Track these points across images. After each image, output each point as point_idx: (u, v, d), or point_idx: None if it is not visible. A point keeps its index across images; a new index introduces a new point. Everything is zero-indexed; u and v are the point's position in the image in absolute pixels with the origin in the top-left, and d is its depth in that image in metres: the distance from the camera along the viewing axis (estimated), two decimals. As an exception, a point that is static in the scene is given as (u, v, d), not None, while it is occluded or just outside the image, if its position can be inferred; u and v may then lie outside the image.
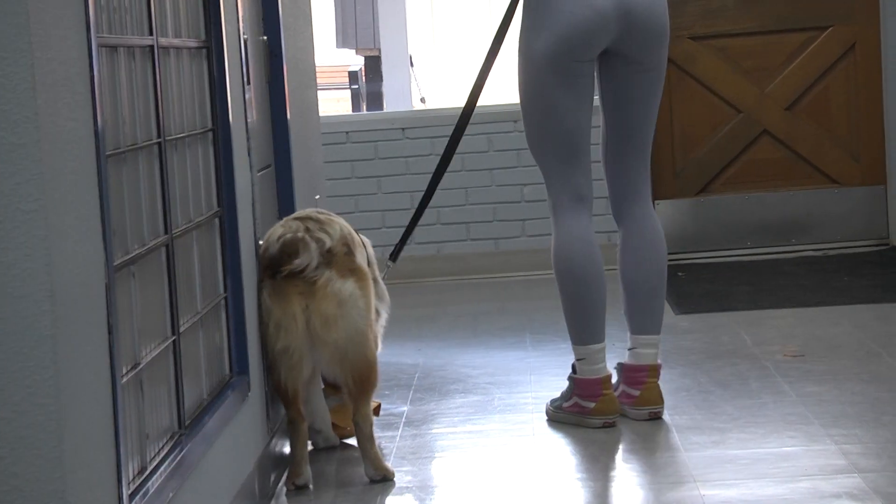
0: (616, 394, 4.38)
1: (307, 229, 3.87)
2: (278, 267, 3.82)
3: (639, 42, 4.23)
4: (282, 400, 3.92)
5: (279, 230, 3.91)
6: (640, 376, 4.35)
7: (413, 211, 7.16)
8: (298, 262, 3.79)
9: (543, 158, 4.35)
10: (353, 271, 3.88)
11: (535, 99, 4.27)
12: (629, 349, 4.41)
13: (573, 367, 4.37)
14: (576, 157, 4.31)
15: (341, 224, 3.98)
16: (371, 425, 3.91)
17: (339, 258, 3.85)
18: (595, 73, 4.31)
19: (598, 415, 4.29)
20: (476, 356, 5.43)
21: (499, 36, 4.37)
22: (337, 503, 3.85)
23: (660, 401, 4.35)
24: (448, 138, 4.58)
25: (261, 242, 3.95)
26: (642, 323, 4.38)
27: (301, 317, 3.79)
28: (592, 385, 4.29)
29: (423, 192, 4.30)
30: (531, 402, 4.64)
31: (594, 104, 4.31)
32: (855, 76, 7.25)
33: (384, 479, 3.90)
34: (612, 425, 4.28)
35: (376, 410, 4.33)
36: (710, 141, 7.32)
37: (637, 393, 4.35)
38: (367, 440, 3.90)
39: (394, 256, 4.59)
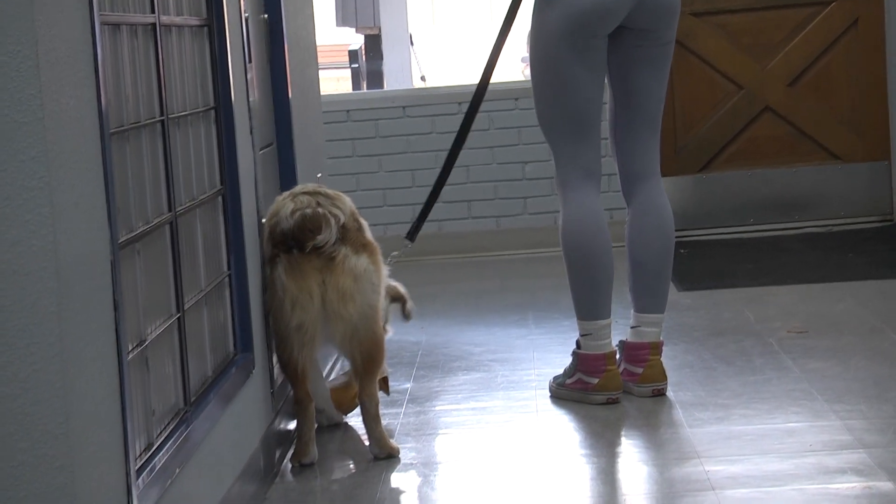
0: (620, 369, 4.38)
1: (318, 204, 3.85)
2: (297, 242, 3.78)
3: (653, 16, 4.22)
4: (290, 379, 3.90)
5: (290, 205, 3.86)
6: (643, 354, 4.35)
7: (415, 189, 7.19)
8: (322, 238, 3.77)
9: (554, 134, 4.33)
10: (365, 246, 3.87)
11: (547, 74, 4.26)
12: (632, 327, 4.41)
13: (577, 342, 4.37)
14: (587, 132, 4.30)
15: (348, 199, 3.98)
16: (377, 405, 3.91)
17: (352, 233, 3.85)
18: (613, 47, 4.29)
19: (602, 391, 4.29)
20: (479, 334, 5.43)
21: (511, 12, 4.36)
22: (341, 480, 3.86)
23: (663, 377, 4.35)
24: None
25: (263, 221, 3.94)
26: (647, 301, 4.37)
27: (317, 293, 3.77)
28: (596, 361, 4.29)
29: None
30: (534, 378, 4.65)
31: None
32: (858, 52, 7.24)
33: (389, 457, 3.91)
34: (615, 402, 4.29)
35: (385, 384, 4.32)
36: (711, 118, 7.31)
37: (640, 370, 4.35)
38: (372, 419, 3.90)
39: (411, 236, 4.55)
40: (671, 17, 4.27)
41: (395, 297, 4.30)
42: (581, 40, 4.19)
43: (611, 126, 4.42)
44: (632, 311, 4.41)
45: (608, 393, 4.29)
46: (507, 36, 4.38)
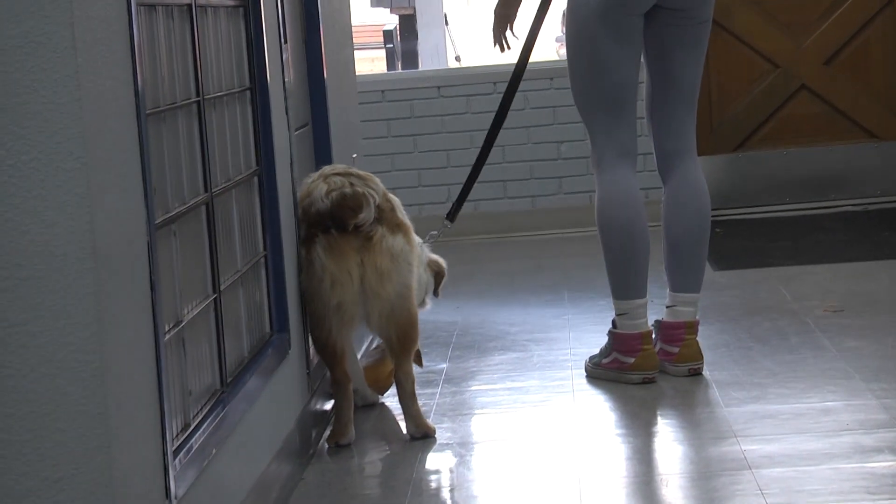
0: (656, 348, 4.38)
1: (352, 184, 3.85)
2: (337, 221, 3.78)
3: None
4: (328, 360, 3.90)
5: (323, 186, 3.85)
6: (679, 333, 4.34)
7: (449, 169, 7.19)
8: (363, 216, 3.77)
9: (590, 113, 4.32)
10: (399, 226, 3.88)
11: (584, 52, 4.25)
12: (668, 306, 4.40)
13: (613, 322, 4.36)
14: (623, 111, 4.28)
15: (378, 180, 3.98)
16: (413, 382, 3.92)
17: (387, 214, 3.85)
18: (650, 24, 4.28)
19: (638, 370, 4.29)
20: (514, 314, 5.44)
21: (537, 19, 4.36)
22: (377, 460, 3.87)
23: (699, 357, 4.34)
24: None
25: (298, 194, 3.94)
26: (683, 280, 4.36)
27: (356, 272, 3.77)
28: (632, 340, 4.29)
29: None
30: (570, 358, 4.65)
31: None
32: (893, 30, 7.19)
33: (425, 437, 3.91)
34: (651, 381, 4.28)
35: (418, 357, 4.32)
36: (747, 96, 7.28)
37: (676, 350, 4.34)
38: (409, 397, 3.91)
39: (451, 216, 4.54)
40: (706, 1, 4.24)
41: (436, 272, 4.31)
42: (617, 18, 4.17)
43: (647, 105, 4.41)
44: (667, 290, 4.41)
45: (644, 372, 4.29)
46: (544, 16, 4.37)
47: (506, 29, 4.41)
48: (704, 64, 4.56)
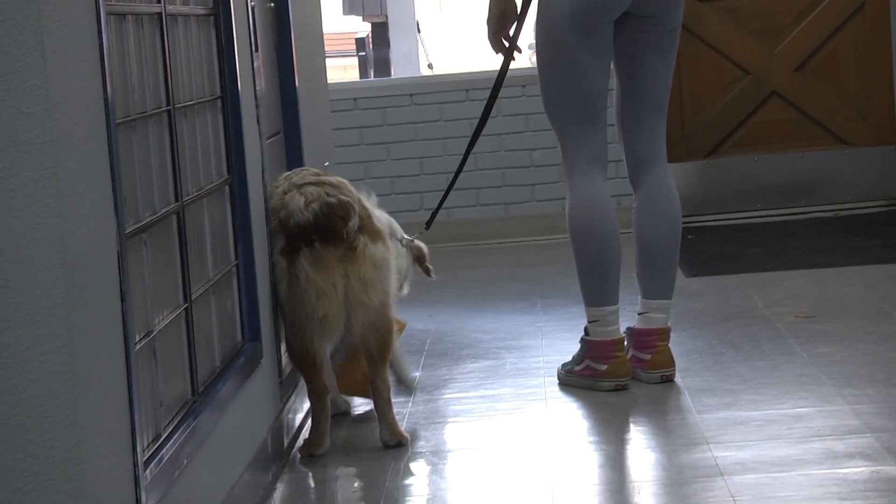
0: (628, 355, 4.39)
1: (327, 194, 3.82)
2: (323, 232, 3.74)
3: (659, 2, 4.20)
4: (306, 371, 3.88)
5: (300, 198, 3.80)
6: (651, 340, 4.35)
7: (423, 177, 7.19)
8: (353, 224, 3.75)
9: (560, 120, 4.33)
10: (378, 233, 3.87)
11: (554, 60, 4.25)
12: (639, 313, 4.41)
13: (585, 329, 4.37)
14: (593, 118, 4.29)
15: (349, 185, 3.97)
16: (389, 389, 3.91)
17: (366, 221, 3.84)
18: (619, 33, 4.29)
19: (610, 377, 4.29)
20: (487, 321, 5.44)
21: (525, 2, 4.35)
22: (351, 469, 3.86)
23: (671, 363, 4.35)
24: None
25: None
26: (655, 287, 4.37)
27: (340, 283, 3.75)
28: (605, 347, 4.29)
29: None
30: (543, 366, 4.65)
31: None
32: (864, 36, 7.23)
33: (399, 445, 3.91)
34: (623, 388, 4.29)
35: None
36: (718, 103, 7.31)
37: (648, 357, 4.35)
38: (386, 404, 3.90)
39: (428, 224, 4.59)
40: (676, 3, 4.26)
41: (417, 256, 4.38)
42: (587, 26, 4.18)
43: (617, 112, 4.42)
44: (639, 297, 4.41)
45: (617, 379, 4.29)
46: (522, 24, 4.36)
47: (501, 34, 4.39)
48: (676, 71, 4.59)
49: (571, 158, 4.33)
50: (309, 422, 3.99)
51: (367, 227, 3.83)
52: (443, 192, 4.64)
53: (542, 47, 4.29)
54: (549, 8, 4.22)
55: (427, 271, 4.45)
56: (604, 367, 4.30)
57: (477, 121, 4.58)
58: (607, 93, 4.31)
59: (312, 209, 3.77)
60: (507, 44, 4.39)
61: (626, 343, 4.38)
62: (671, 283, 4.40)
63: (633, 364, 4.37)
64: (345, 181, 3.97)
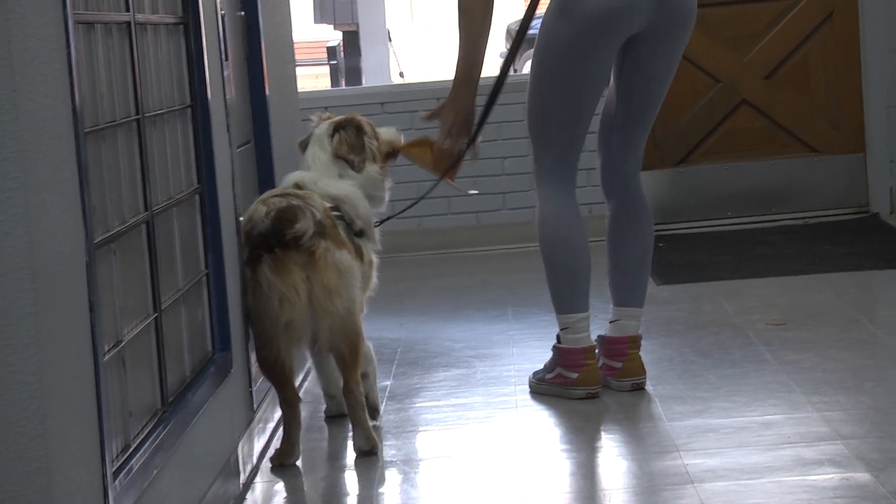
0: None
1: (289, 203, 3.84)
2: (276, 236, 3.76)
3: (670, 21, 4.17)
4: (276, 379, 3.87)
5: (262, 208, 3.85)
6: (622, 348, 4.36)
7: (395, 185, 7.18)
8: (300, 226, 3.74)
9: (541, 135, 4.30)
10: (344, 243, 3.88)
11: (551, 76, 4.19)
12: (611, 321, 4.42)
13: (557, 337, 4.37)
14: (574, 135, 4.29)
15: (319, 199, 3.97)
16: (360, 393, 3.90)
17: (330, 229, 3.84)
18: (625, 52, 4.27)
19: (582, 385, 4.30)
20: (458, 330, 5.44)
21: (528, 15, 4.34)
22: (321, 479, 3.86)
23: (642, 371, 4.36)
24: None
25: (241, 218, 3.94)
26: (627, 296, 4.38)
27: (303, 288, 3.76)
28: (576, 355, 4.30)
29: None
30: (514, 374, 4.65)
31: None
32: (833, 44, 7.26)
33: (371, 451, 3.88)
34: (594, 396, 4.29)
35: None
36: (689, 111, 7.32)
37: (619, 365, 4.35)
38: (360, 408, 3.89)
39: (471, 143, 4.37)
40: (690, 23, 4.22)
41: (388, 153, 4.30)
42: (591, 48, 4.15)
43: (605, 122, 4.39)
44: (611, 305, 4.42)
45: (588, 387, 4.30)
46: (524, 36, 4.32)
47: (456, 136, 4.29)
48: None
49: (542, 168, 4.33)
50: (280, 430, 3.97)
51: (332, 235, 3.84)
52: (415, 199, 4.59)
53: (538, 66, 4.23)
54: (554, 29, 4.17)
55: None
56: (575, 376, 4.30)
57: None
58: (594, 111, 4.30)
59: (271, 216, 3.79)
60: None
61: (597, 351, 4.38)
62: (643, 291, 4.41)
63: (604, 372, 4.37)
64: (314, 195, 3.95)
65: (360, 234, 4.09)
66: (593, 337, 4.40)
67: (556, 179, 4.32)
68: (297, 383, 4.09)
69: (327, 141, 4.20)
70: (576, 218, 4.31)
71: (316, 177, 4.10)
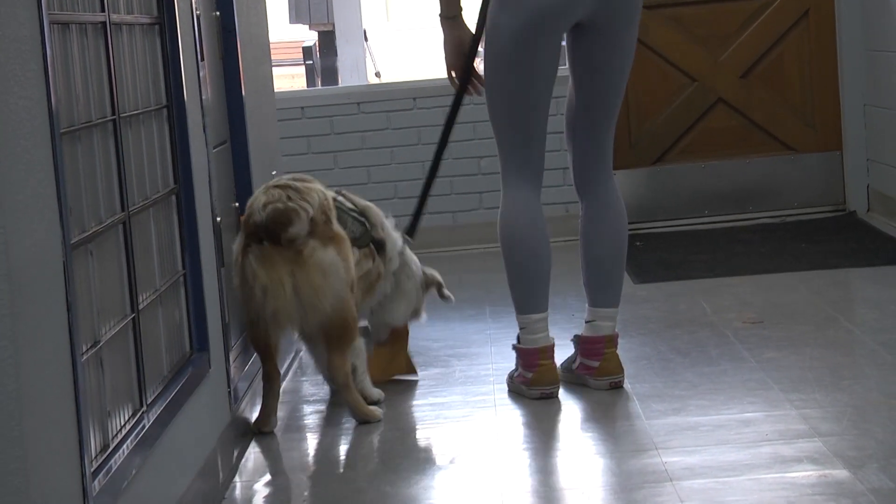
0: (574, 366, 4.40)
1: (289, 198, 4.01)
2: (269, 234, 3.95)
3: (612, 14, 4.18)
4: (260, 354, 4.12)
5: (262, 198, 4.04)
6: (598, 347, 4.36)
7: (371, 185, 7.18)
8: (294, 231, 3.95)
9: (500, 132, 4.33)
10: (332, 238, 4.05)
11: (498, 74, 4.24)
12: (587, 321, 4.42)
13: (518, 337, 4.39)
14: (530, 131, 4.29)
15: (318, 191, 4.11)
16: (346, 375, 4.10)
17: (320, 227, 4.02)
18: (568, 44, 4.30)
19: (536, 385, 4.30)
20: (436, 329, 5.43)
21: (481, 16, 4.36)
22: (299, 480, 3.85)
23: (619, 370, 4.37)
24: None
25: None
26: (602, 295, 4.38)
27: (288, 282, 3.96)
28: (531, 355, 4.31)
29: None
30: (492, 373, 4.65)
31: (561, 73, 4.31)
32: (809, 43, 7.28)
33: (367, 422, 4.12)
34: (549, 396, 4.29)
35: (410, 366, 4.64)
36: (665, 110, 7.34)
37: (596, 364, 4.36)
38: (343, 389, 4.11)
39: (410, 232, 4.75)
40: (634, 14, 4.21)
41: (430, 283, 4.69)
42: (532, 40, 4.16)
43: (568, 121, 4.41)
44: (586, 305, 4.42)
45: (542, 388, 4.29)
46: (479, 40, 4.37)
47: (454, 68, 4.40)
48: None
49: (506, 168, 4.36)
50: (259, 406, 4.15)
51: (321, 232, 4.01)
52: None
53: (487, 61, 4.28)
54: (495, 21, 4.22)
55: (444, 297, 4.76)
56: (530, 375, 4.31)
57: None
58: (549, 105, 4.31)
59: (267, 210, 3.99)
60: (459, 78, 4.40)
61: (572, 351, 4.39)
62: (618, 291, 4.41)
63: (581, 371, 4.38)
64: (312, 185, 4.10)
65: (380, 245, 4.40)
66: (569, 336, 4.40)
67: (516, 180, 4.33)
68: (282, 364, 4.40)
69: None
70: (535, 219, 4.31)
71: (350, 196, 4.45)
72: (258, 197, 4.06)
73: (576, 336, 4.43)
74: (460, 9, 4.37)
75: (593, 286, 4.40)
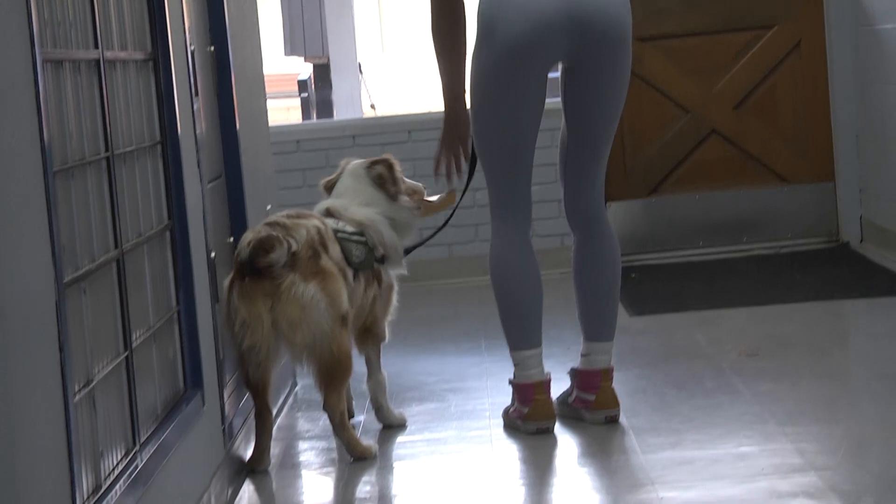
0: (570, 399, 4.39)
1: (271, 231, 4.02)
2: (251, 267, 3.95)
3: (595, 49, 4.17)
4: (251, 391, 4.10)
5: (249, 235, 4.06)
6: (595, 380, 4.35)
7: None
8: (273, 257, 3.94)
9: (487, 168, 4.36)
10: (317, 273, 4.03)
11: (481, 109, 4.26)
12: (583, 355, 4.41)
13: (514, 372, 4.38)
14: (516, 167, 4.31)
15: (308, 227, 4.09)
16: (341, 414, 4.08)
17: (304, 262, 4.00)
18: (560, 82, 4.30)
19: (531, 420, 4.28)
20: (432, 363, 5.42)
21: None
22: (295, 515, 3.84)
23: (615, 404, 4.35)
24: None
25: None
26: (597, 329, 4.38)
27: (267, 317, 3.96)
28: (526, 390, 4.30)
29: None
30: (488, 408, 4.64)
31: (556, 106, 4.32)
32: (801, 74, 7.30)
33: (363, 459, 4.11)
34: (545, 431, 4.27)
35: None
36: (659, 141, 7.34)
37: (592, 398, 4.35)
38: (338, 427, 4.11)
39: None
40: (617, 50, 4.18)
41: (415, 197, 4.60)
42: (513, 75, 4.17)
43: (561, 156, 4.41)
44: (581, 338, 4.42)
45: (538, 422, 4.28)
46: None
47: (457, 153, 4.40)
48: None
49: (494, 203, 4.38)
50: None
51: (303, 267, 3.99)
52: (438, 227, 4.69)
53: (472, 95, 4.29)
54: (477, 58, 4.22)
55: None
56: (526, 410, 4.30)
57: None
58: (535, 140, 4.31)
59: (251, 246, 3.99)
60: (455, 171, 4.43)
61: (569, 384, 4.38)
62: (612, 324, 4.41)
63: (577, 405, 4.37)
64: (304, 221, 4.10)
65: (382, 259, 4.38)
66: (566, 369, 4.39)
67: (504, 214, 4.34)
68: (276, 401, 4.41)
69: (364, 172, 4.53)
70: (525, 255, 4.31)
71: (346, 203, 4.42)
72: (246, 235, 4.08)
73: (572, 369, 4.42)
74: (464, 85, 4.36)
75: (587, 319, 4.39)
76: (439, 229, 4.69)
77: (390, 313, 4.51)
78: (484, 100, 4.23)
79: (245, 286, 3.96)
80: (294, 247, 3.97)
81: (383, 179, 4.51)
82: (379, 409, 4.46)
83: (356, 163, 4.61)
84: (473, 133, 4.32)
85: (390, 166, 4.55)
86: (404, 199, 4.52)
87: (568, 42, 4.15)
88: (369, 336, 4.44)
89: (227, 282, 4.05)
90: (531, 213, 4.38)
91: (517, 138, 4.26)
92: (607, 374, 4.36)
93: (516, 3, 4.12)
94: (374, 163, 4.57)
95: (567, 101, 4.31)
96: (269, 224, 4.08)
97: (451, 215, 4.67)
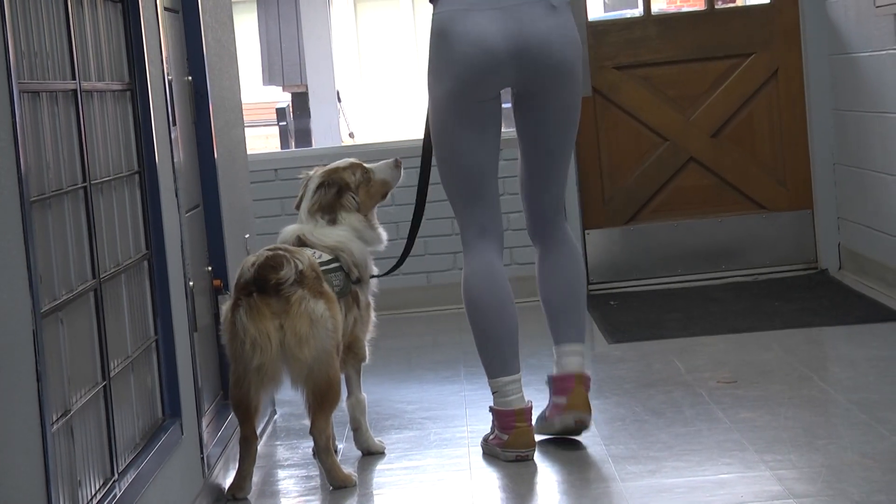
0: (547, 413, 4.39)
1: (276, 252, 4.04)
2: (259, 282, 3.95)
3: (540, 78, 4.25)
4: (240, 416, 4.08)
5: (251, 258, 4.07)
6: (568, 384, 4.36)
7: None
8: (283, 273, 3.95)
9: (450, 196, 4.42)
10: (323, 294, 4.06)
11: (438, 138, 4.33)
12: (555, 362, 4.43)
13: (494, 399, 4.38)
14: (478, 193, 4.35)
15: (307, 253, 4.14)
16: (327, 438, 4.08)
17: (310, 280, 4.03)
18: (511, 105, 4.35)
19: (511, 448, 4.28)
20: (411, 391, 5.42)
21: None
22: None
23: (587, 409, 4.35)
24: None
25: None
26: (564, 332, 4.40)
27: (275, 335, 3.95)
28: (507, 416, 4.30)
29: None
30: (467, 436, 4.63)
31: (509, 136, 4.37)
32: (778, 102, 7.33)
33: (344, 487, 4.09)
34: (524, 459, 4.27)
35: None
36: (637, 169, 7.36)
37: (564, 401, 4.35)
38: (323, 452, 4.10)
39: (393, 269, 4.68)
40: (564, 79, 4.26)
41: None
42: (465, 105, 4.24)
43: (520, 181, 4.49)
44: (553, 347, 4.44)
45: (517, 450, 4.28)
46: None
47: None
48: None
49: (463, 232, 4.41)
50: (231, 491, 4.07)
51: (311, 285, 4.02)
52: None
53: (431, 126, 4.36)
54: (431, 89, 4.28)
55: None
56: (506, 438, 4.30)
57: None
58: (496, 167, 4.37)
59: (256, 265, 4.00)
60: None
61: (548, 391, 4.39)
62: (581, 327, 4.43)
63: (552, 414, 4.38)
64: (304, 250, 4.13)
65: (358, 281, 4.36)
66: (545, 400, 4.39)
67: (474, 243, 4.37)
68: (259, 427, 4.34)
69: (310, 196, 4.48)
70: (494, 281, 4.33)
71: (311, 228, 4.37)
72: (248, 259, 4.09)
73: (549, 376, 4.45)
74: None
75: (553, 324, 4.43)
76: (399, 263, 4.69)
77: (370, 331, 4.50)
78: (441, 126, 4.29)
79: (253, 303, 3.95)
80: (301, 265, 4.00)
81: (317, 206, 4.44)
82: (357, 430, 4.46)
83: (314, 179, 4.53)
84: (435, 159, 4.37)
85: (340, 188, 4.46)
86: (350, 219, 4.42)
87: (515, 70, 4.22)
88: (350, 355, 4.42)
89: (227, 306, 4.04)
90: (502, 240, 4.40)
91: (479, 167, 4.32)
92: (580, 378, 4.37)
93: (464, 31, 4.17)
94: (320, 184, 4.49)
95: (519, 127, 4.39)
96: (270, 249, 4.10)
97: (410, 248, 4.66)
